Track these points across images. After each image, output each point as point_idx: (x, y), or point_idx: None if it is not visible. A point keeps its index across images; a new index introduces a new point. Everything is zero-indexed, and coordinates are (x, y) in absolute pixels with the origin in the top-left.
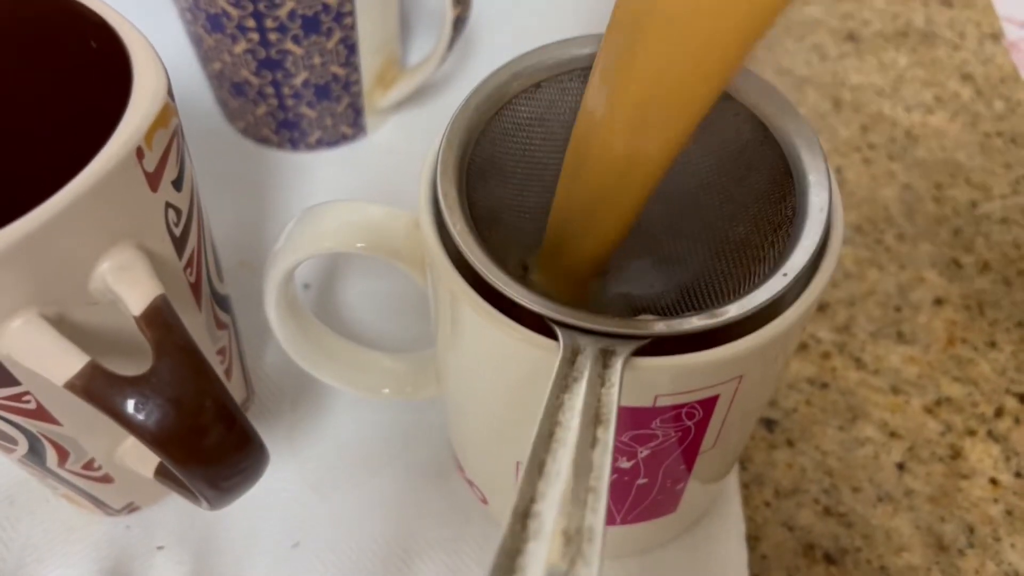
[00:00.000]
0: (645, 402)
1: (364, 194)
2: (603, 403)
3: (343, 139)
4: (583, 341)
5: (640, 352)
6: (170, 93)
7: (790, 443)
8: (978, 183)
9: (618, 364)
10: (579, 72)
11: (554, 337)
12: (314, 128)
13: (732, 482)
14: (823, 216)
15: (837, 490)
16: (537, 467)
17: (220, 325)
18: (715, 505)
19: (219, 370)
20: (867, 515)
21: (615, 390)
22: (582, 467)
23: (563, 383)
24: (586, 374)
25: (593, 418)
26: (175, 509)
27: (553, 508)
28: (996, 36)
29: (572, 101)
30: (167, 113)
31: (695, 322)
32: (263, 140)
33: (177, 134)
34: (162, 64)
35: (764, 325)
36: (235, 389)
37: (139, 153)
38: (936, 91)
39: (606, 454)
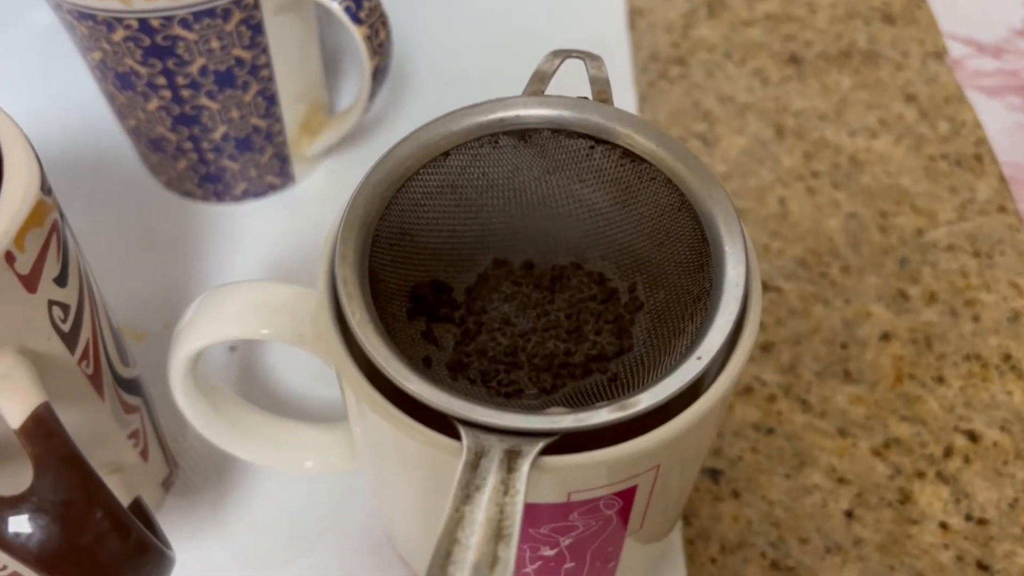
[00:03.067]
0: (558, 498)
1: (295, 243)
2: (506, 515)
3: (270, 189)
4: (488, 441)
5: (550, 448)
6: (44, 187)
7: (736, 494)
8: (924, 209)
9: (524, 467)
10: (488, 138)
11: (459, 436)
12: (238, 180)
13: (676, 540)
14: (739, 292)
15: (784, 542)
16: None
17: (129, 409)
18: (658, 564)
19: (134, 453)
20: (815, 568)
21: (519, 498)
22: None
23: (464, 493)
24: (490, 480)
25: (495, 533)
26: None
27: None
28: (940, 54)
29: (484, 167)
30: (41, 211)
31: (605, 415)
32: (187, 193)
33: (56, 229)
34: (36, 157)
35: (680, 411)
36: (155, 467)
37: (8, 258)
38: (880, 113)
39: (506, 574)
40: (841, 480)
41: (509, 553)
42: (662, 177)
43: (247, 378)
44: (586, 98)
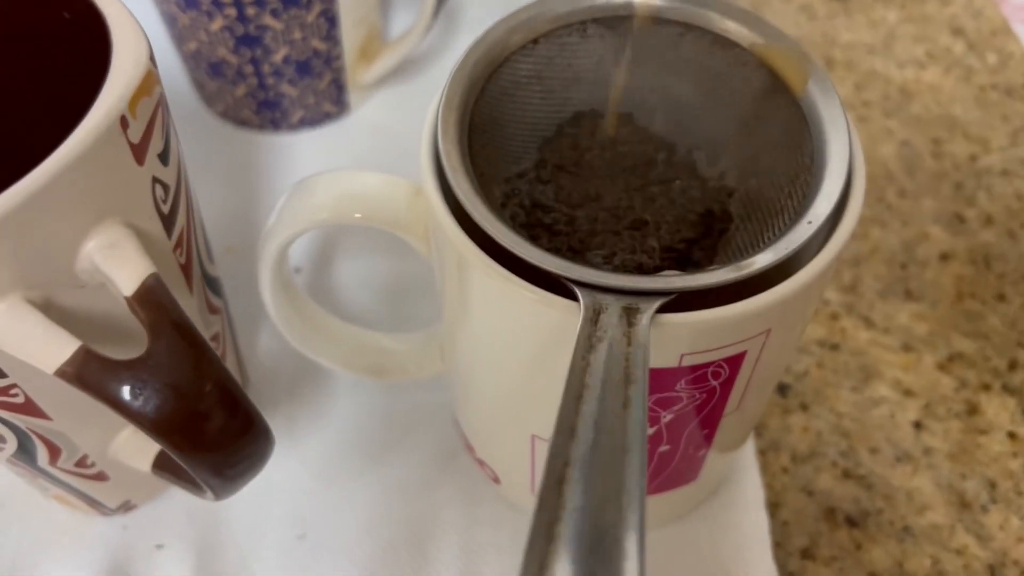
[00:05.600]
0: (670, 362)
1: None
2: (632, 362)
3: (326, 117)
4: (605, 300)
5: (664, 309)
6: (152, 60)
7: (804, 407)
8: (976, 137)
9: (644, 321)
10: (577, 26)
11: (572, 298)
12: (296, 107)
13: (749, 450)
14: (844, 161)
15: (855, 452)
16: (568, 431)
17: (213, 309)
18: (733, 473)
19: None
20: (887, 476)
21: (643, 349)
22: (616, 428)
23: (588, 343)
24: (611, 333)
25: (623, 378)
26: (173, 506)
27: (588, 472)
28: None
29: (571, 57)
30: (150, 80)
31: (721, 275)
32: (243, 122)
33: (161, 104)
34: (142, 30)
35: (789, 276)
36: None
37: (123, 122)
38: (928, 46)
39: (640, 412)
40: (908, 393)
41: (640, 394)
42: (755, 61)
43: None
44: None
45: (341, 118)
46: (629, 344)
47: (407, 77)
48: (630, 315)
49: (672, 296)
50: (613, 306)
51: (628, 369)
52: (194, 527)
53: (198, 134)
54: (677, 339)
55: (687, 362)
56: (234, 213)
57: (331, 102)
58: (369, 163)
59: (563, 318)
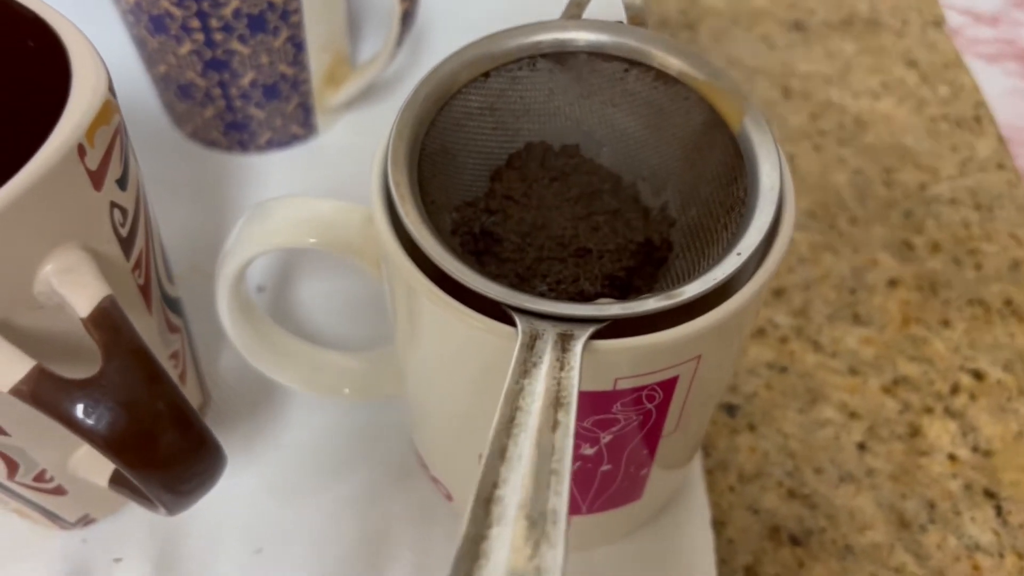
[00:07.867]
0: (605, 385)
1: (316, 194)
2: (563, 386)
3: (294, 139)
4: (541, 326)
5: (598, 335)
6: (111, 90)
7: (752, 427)
8: (926, 166)
9: (577, 347)
10: (527, 61)
11: (512, 324)
12: (264, 129)
13: (696, 468)
14: (774, 195)
15: (800, 472)
16: (499, 452)
17: (172, 329)
18: (680, 492)
19: (173, 375)
20: (830, 495)
21: (575, 373)
22: (544, 450)
23: (523, 368)
24: (546, 358)
25: (554, 401)
26: (132, 520)
27: (516, 492)
28: (938, 23)
29: (522, 90)
30: (108, 109)
31: (652, 303)
32: (212, 143)
33: (120, 131)
34: (102, 60)
35: (720, 304)
36: (190, 394)
37: (81, 151)
38: (882, 77)
39: (567, 436)
40: (853, 415)
41: (569, 418)
42: (695, 96)
43: (276, 318)
44: (622, 22)
45: (309, 140)
46: (562, 369)
47: (374, 100)
48: (564, 341)
49: (605, 323)
50: (549, 332)
51: (559, 393)
52: (153, 541)
53: (167, 154)
54: (610, 364)
55: (621, 385)
56: (201, 233)
57: (298, 124)
58: (335, 183)
59: (503, 344)
